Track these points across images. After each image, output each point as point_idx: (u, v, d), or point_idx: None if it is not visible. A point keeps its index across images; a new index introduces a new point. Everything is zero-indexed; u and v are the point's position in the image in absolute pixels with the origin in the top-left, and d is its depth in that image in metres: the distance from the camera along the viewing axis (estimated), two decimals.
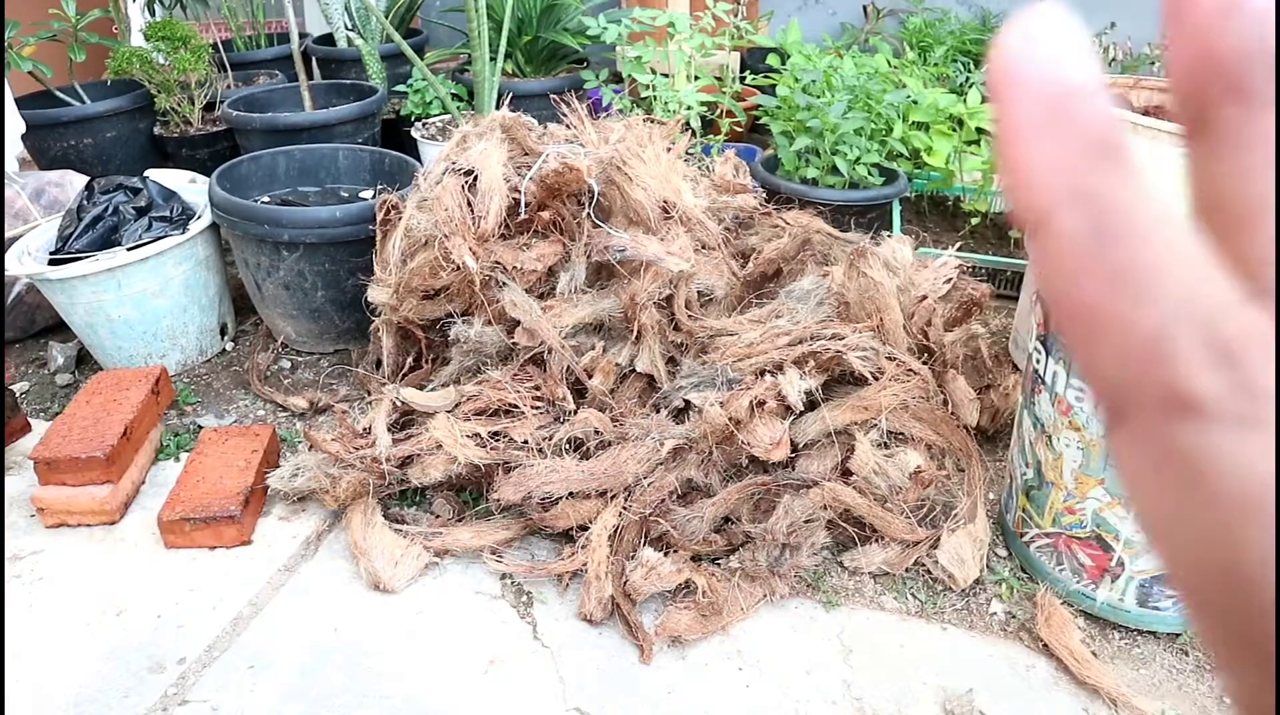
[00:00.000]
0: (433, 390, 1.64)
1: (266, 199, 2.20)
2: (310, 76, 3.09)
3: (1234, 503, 0.12)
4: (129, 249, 1.89)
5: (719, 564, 1.44)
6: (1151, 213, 0.13)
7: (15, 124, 2.51)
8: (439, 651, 1.35)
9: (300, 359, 2.11)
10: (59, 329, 2.16)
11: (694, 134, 2.39)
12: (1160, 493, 0.13)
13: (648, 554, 1.37)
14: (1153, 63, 3.34)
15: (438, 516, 1.56)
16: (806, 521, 1.40)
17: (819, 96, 2.26)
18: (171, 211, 2.01)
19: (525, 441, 1.49)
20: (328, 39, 3.41)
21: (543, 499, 1.44)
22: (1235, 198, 0.14)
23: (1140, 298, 0.13)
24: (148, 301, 1.93)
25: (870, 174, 2.22)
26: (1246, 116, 0.14)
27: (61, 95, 2.75)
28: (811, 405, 1.48)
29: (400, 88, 2.97)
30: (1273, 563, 0.12)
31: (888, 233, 2.01)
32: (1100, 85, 0.14)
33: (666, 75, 2.47)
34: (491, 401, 1.55)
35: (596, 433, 1.50)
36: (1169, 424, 0.13)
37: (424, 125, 2.77)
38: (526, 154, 1.69)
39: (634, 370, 1.60)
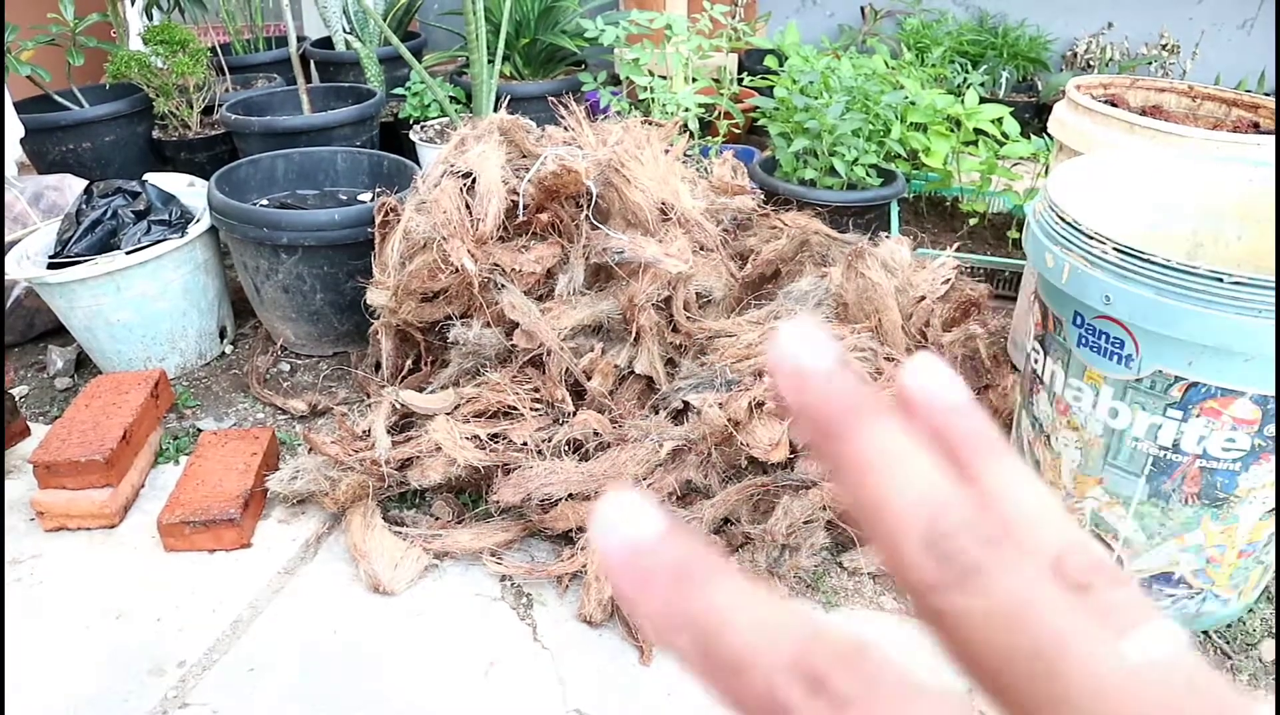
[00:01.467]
0: (432, 392, 1.64)
1: (265, 202, 2.20)
2: (308, 80, 3.09)
3: None
4: (128, 252, 1.89)
5: None
6: (728, 604, 0.17)
7: (14, 128, 2.51)
8: (439, 653, 1.35)
9: (299, 362, 2.11)
10: (58, 333, 2.16)
11: (692, 136, 2.39)
12: None
13: None
14: (1150, 62, 3.35)
15: (437, 519, 1.56)
16: (806, 522, 1.40)
17: (817, 98, 2.26)
18: (170, 215, 2.01)
19: (524, 443, 1.49)
20: (326, 42, 3.41)
21: (542, 501, 1.44)
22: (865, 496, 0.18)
23: (747, 673, 0.16)
24: (147, 305, 1.93)
25: (868, 175, 2.22)
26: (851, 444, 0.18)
27: (60, 99, 2.75)
28: None
29: (398, 90, 2.98)
30: None
31: (886, 233, 2.02)
32: (670, 529, 0.17)
33: (664, 77, 2.47)
34: (491, 403, 1.55)
35: (596, 434, 1.50)
36: None
37: (422, 128, 2.78)
38: (525, 156, 1.69)
39: (633, 372, 1.60)
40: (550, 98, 2.03)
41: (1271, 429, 1.11)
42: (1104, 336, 1.16)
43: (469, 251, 1.54)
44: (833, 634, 0.17)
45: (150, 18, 3.29)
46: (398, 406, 1.61)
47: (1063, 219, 1.17)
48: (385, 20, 3.25)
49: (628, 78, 2.46)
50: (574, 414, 1.53)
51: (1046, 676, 0.16)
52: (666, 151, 1.72)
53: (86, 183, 2.10)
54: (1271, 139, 1.61)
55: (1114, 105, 1.99)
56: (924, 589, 0.17)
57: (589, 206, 1.61)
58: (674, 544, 0.17)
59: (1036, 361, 1.33)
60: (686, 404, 1.51)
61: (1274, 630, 1.36)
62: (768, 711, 0.16)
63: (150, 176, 2.20)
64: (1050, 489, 0.18)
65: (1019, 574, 0.17)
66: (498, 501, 1.44)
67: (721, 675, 0.17)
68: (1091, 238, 1.12)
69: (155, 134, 2.84)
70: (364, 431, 1.59)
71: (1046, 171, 2.32)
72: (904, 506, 0.17)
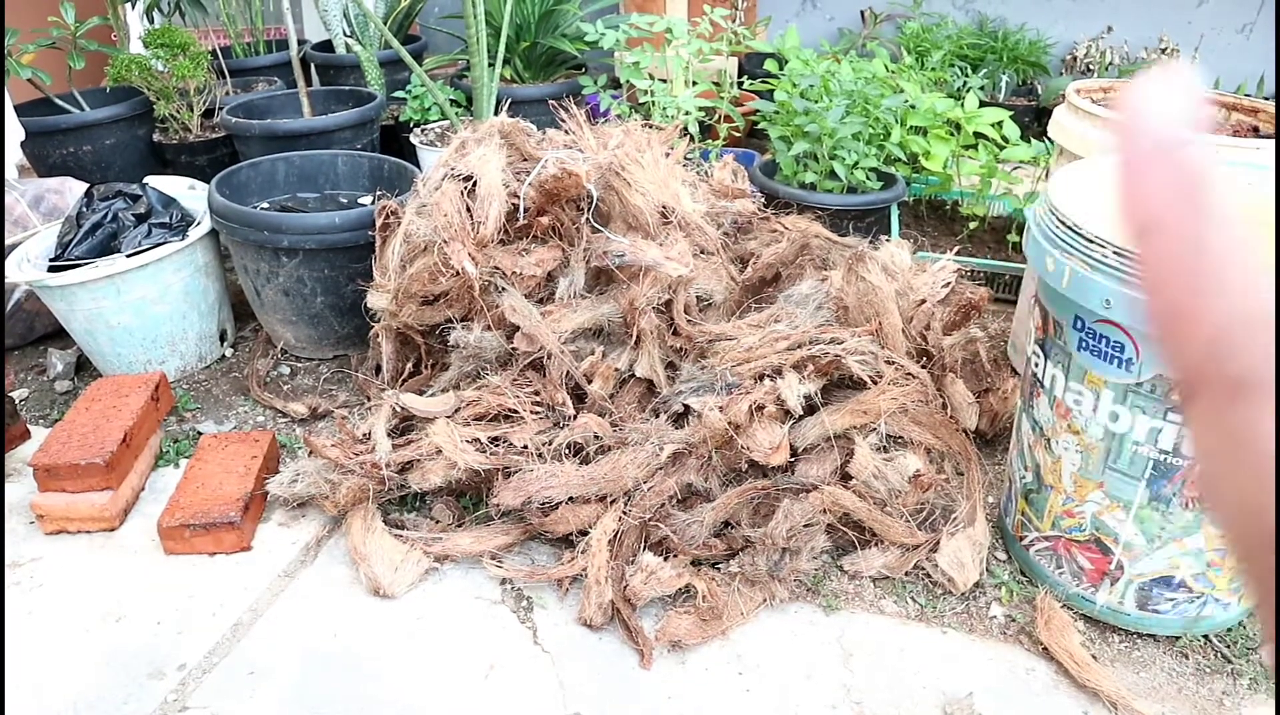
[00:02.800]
0: (432, 395, 1.64)
1: (266, 205, 2.20)
2: (309, 83, 3.09)
3: (1267, 462, 0.16)
4: (128, 256, 1.89)
5: (719, 568, 1.44)
6: (1228, 237, 0.17)
7: (15, 131, 2.51)
8: (439, 657, 1.35)
9: (300, 365, 2.11)
10: (58, 336, 2.16)
11: (692, 139, 2.39)
12: (1217, 455, 0.17)
13: (647, 559, 1.37)
14: (1150, 66, 3.35)
15: (437, 522, 1.56)
16: (806, 526, 1.40)
17: (817, 101, 2.26)
18: (171, 218, 2.02)
19: (525, 446, 1.49)
20: (326, 45, 3.42)
21: (542, 504, 1.44)
22: None
23: (1210, 300, 0.16)
24: (147, 308, 1.93)
25: (868, 178, 2.22)
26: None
27: (61, 102, 2.75)
28: (810, 409, 1.49)
29: (399, 94, 2.98)
30: None
31: (886, 237, 2.02)
32: (1198, 137, 0.17)
33: (665, 80, 2.48)
34: (491, 407, 1.55)
35: (596, 437, 1.50)
36: (1228, 402, 0.17)
37: (423, 131, 2.78)
38: (525, 159, 1.69)
39: (633, 375, 1.60)
40: (551, 101, 2.03)
41: None
42: (1104, 340, 1.17)
43: (470, 255, 1.54)
44: None
45: (151, 21, 3.29)
46: (398, 409, 1.61)
47: (1063, 223, 1.18)
48: (386, 24, 3.26)
49: (628, 81, 2.46)
50: (574, 417, 1.53)
51: None
52: (667, 155, 1.72)
53: (87, 186, 2.10)
54: (1271, 143, 1.61)
55: (1114, 109, 2.00)
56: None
57: (589, 210, 1.61)
58: (1203, 150, 0.18)
59: (1037, 365, 1.33)
60: (687, 407, 1.51)
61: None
62: (1210, 348, 0.16)
63: (151, 179, 2.20)
64: None
65: None
66: (498, 504, 1.44)
67: (1191, 281, 0.17)
68: (1092, 241, 1.12)
69: (156, 137, 2.84)
70: (364, 434, 1.59)
71: (1047, 175, 2.32)
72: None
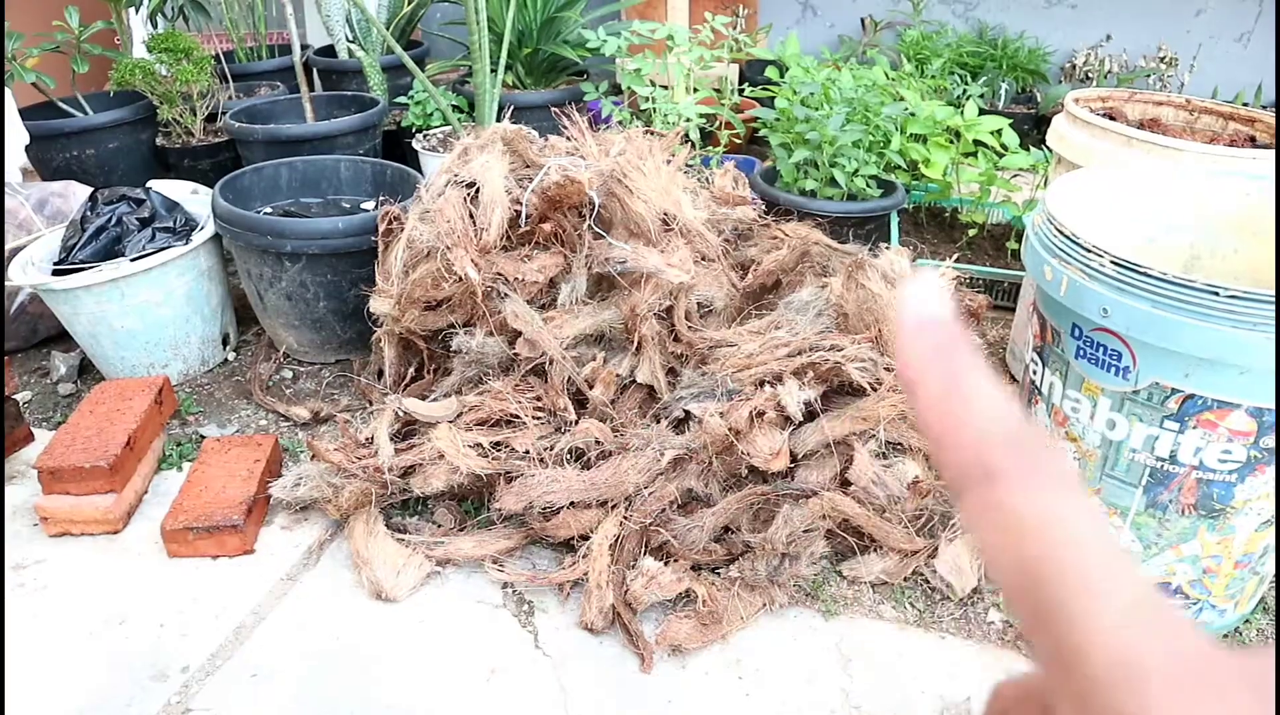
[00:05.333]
0: (434, 400, 1.65)
1: (269, 210, 2.21)
2: (311, 88, 3.11)
3: (1021, 527, 0.21)
4: (132, 260, 1.90)
5: (719, 573, 1.45)
6: (973, 377, 0.23)
7: (19, 135, 2.52)
8: (440, 661, 1.36)
9: (302, 369, 2.12)
10: (61, 339, 2.17)
11: (693, 146, 2.41)
12: (987, 532, 0.22)
13: (648, 563, 1.38)
14: (1148, 75, 3.37)
15: (440, 526, 1.57)
16: (806, 531, 1.41)
17: (817, 109, 2.28)
18: (174, 222, 2.03)
19: (526, 451, 1.50)
20: (329, 51, 3.43)
21: (544, 508, 1.45)
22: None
23: (966, 422, 0.23)
24: (150, 312, 1.94)
25: (868, 186, 2.23)
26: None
27: (64, 106, 2.77)
28: (810, 416, 1.50)
29: (401, 99, 2.99)
30: (1051, 564, 0.20)
31: (886, 244, 2.03)
32: (949, 316, 0.24)
33: (666, 87, 2.49)
34: (493, 412, 1.56)
35: (597, 443, 1.51)
36: (985, 488, 0.22)
37: (425, 137, 2.79)
38: (527, 166, 1.71)
39: (634, 381, 1.61)
40: (552, 107, 2.04)
41: (1268, 441, 1.12)
42: (1102, 348, 1.18)
43: (472, 261, 1.55)
44: (1037, 430, 0.23)
45: (155, 25, 3.31)
46: (400, 414, 1.62)
47: (1061, 232, 1.19)
48: (388, 29, 3.27)
49: (629, 88, 2.48)
50: (576, 422, 1.54)
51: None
52: (668, 162, 1.73)
53: (91, 190, 2.11)
54: (1267, 153, 1.62)
55: (1112, 118, 2.01)
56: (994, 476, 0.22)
57: (591, 216, 1.62)
58: (953, 325, 0.24)
59: (1035, 373, 1.34)
60: (688, 413, 1.52)
61: (1270, 641, 1.37)
62: (969, 453, 0.22)
63: (154, 184, 2.21)
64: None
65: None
66: (500, 509, 1.45)
67: (950, 411, 0.23)
68: (1089, 251, 1.14)
69: (159, 141, 2.85)
70: (367, 439, 1.60)
71: (1045, 183, 2.34)
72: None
